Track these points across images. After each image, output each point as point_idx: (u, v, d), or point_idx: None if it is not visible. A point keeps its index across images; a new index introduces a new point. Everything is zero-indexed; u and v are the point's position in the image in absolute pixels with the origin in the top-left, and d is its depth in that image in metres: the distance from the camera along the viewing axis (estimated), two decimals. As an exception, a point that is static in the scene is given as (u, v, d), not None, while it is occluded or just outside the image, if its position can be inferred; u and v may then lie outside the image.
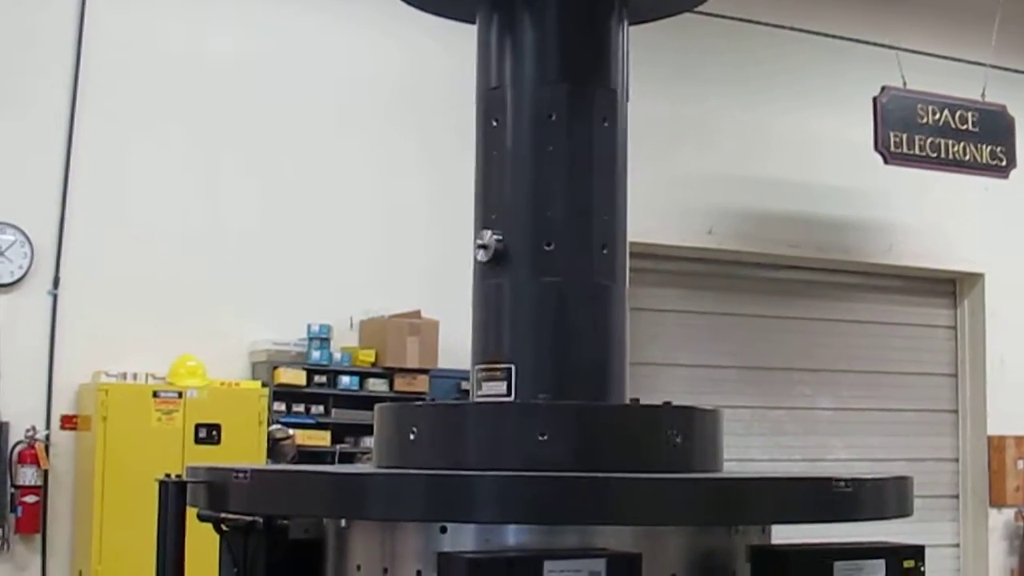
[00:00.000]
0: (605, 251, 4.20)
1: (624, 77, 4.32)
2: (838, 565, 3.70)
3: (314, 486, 3.75)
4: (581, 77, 4.24)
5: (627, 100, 4.34)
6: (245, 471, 3.79)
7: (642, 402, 4.09)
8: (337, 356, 10.63)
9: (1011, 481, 13.80)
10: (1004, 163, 12.42)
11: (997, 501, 13.85)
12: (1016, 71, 13.31)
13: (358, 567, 3.76)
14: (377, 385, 10.63)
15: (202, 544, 4.08)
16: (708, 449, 4.00)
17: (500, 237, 4.18)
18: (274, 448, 9.79)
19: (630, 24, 4.43)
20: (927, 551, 3.95)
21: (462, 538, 3.52)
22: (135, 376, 9.85)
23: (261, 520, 3.88)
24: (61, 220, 10.12)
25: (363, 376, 10.65)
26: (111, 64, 10.35)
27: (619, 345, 4.25)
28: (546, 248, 4.15)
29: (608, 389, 4.17)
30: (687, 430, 3.97)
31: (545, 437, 3.82)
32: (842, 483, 3.78)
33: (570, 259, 4.16)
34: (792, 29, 12.57)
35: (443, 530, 3.54)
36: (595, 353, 4.19)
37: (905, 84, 11.84)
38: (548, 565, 3.29)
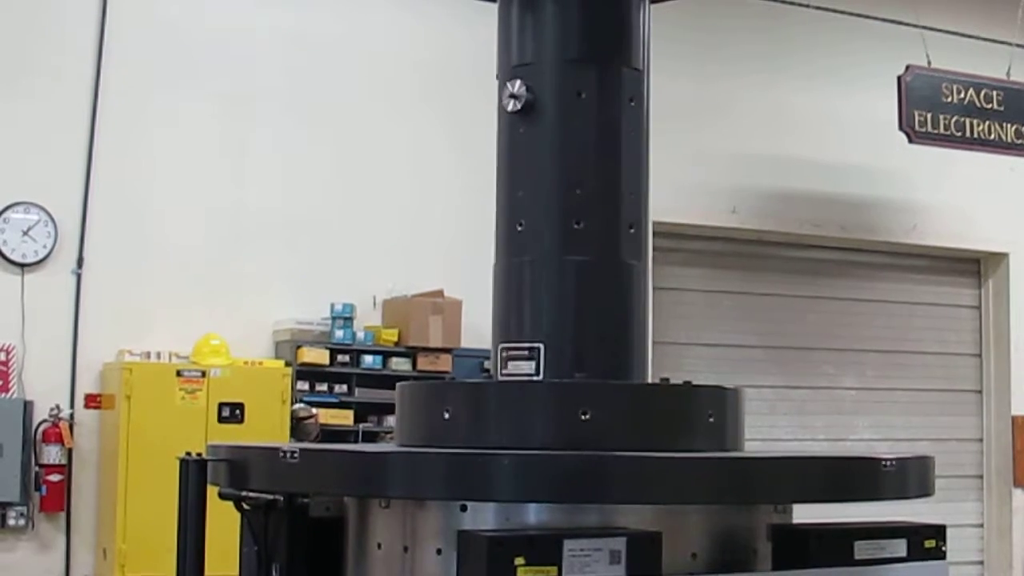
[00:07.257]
0: (632, 230, 4.18)
1: (645, 55, 4.29)
2: (859, 544, 3.69)
3: (335, 464, 3.74)
4: (604, 56, 4.20)
5: (648, 78, 4.30)
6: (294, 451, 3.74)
7: (661, 381, 4.08)
8: (360, 335, 10.64)
9: (1035, 461, 13.78)
10: (1029, 142, 12.34)
11: (1022, 481, 13.81)
12: (1042, 49, 13.23)
13: (379, 545, 3.76)
14: (400, 364, 10.64)
15: (223, 522, 4.09)
16: (727, 428, 3.98)
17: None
18: (297, 427, 9.83)
19: (652, 2, 4.40)
20: (951, 531, 3.94)
21: (482, 517, 3.52)
22: (159, 355, 9.91)
23: (282, 498, 3.89)
24: (85, 200, 10.15)
25: (386, 355, 10.66)
26: (135, 43, 10.36)
27: (642, 324, 4.23)
28: (575, 226, 4.11)
29: (631, 367, 4.15)
30: (710, 409, 3.95)
31: (586, 415, 3.81)
32: (861, 463, 3.76)
33: (599, 237, 4.13)
34: (816, 8, 12.51)
35: (463, 508, 3.54)
36: (619, 332, 4.17)
37: (930, 63, 11.77)
38: (568, 544, 3.28)
